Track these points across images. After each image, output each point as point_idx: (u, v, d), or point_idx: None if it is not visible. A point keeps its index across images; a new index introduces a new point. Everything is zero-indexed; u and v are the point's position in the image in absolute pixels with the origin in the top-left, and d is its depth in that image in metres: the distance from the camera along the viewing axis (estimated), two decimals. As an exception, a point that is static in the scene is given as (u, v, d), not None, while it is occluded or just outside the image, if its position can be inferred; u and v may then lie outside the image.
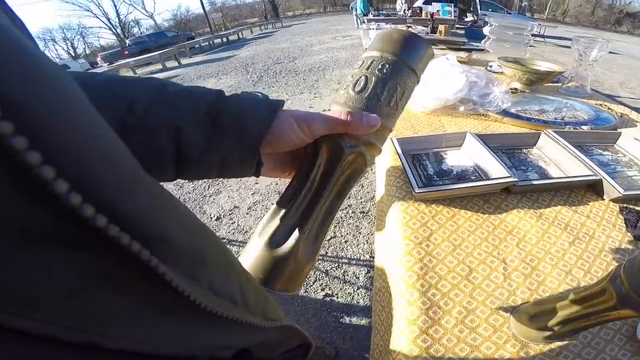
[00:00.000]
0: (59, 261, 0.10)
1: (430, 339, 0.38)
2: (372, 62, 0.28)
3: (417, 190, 0.51)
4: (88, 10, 26.36)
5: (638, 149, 0.68)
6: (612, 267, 0.31)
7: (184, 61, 7.46)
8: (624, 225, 0.52)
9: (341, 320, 1.20)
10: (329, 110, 0.29)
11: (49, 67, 0.10)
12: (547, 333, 0.36)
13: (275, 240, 0.26)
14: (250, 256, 0.26)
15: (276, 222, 0.27)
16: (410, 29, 2.24)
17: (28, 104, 0.09)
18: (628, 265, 0.30)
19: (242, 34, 11.16)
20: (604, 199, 0.56)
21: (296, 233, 0.26)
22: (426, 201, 0.54)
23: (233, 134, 0.25)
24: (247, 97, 0.27)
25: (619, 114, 0.88)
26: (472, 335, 0.39)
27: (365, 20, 2.70)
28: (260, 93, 0.29)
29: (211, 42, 10.35)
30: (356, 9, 7.93)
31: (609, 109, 0.91)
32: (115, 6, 26.90)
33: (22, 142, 0.08)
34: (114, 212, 0.11)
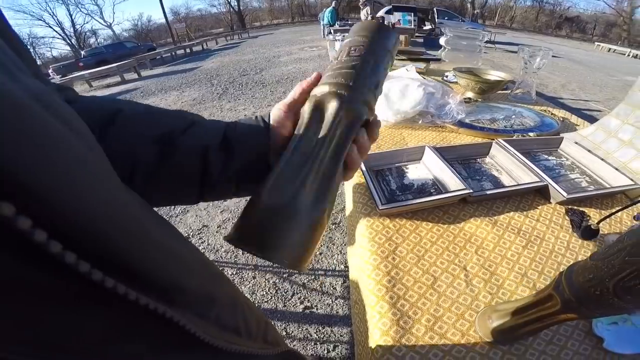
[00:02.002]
0: (91, 318, 0.12)
1: (404, 347, 0.39)
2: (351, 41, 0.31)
3: (380, 207, 0.53)
4: (40, 19, 24.70)
5: (578, 153, 0.74)
6: (563, 267, 0.32)
7: (144, 73, 7.16)
8: (570, 226, 0.56)
9: (323, 331, 1.20)
10: None
11: (58, 139, 0.11)
12: (509, 335, 0.38)
13: (273, 191, 0.24)
14: (246, 216, 0.24)
15: (272, 174, 0.25)
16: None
17: (39, 191, 0.10)
18: (567, 273, 0.31)
19: (206, 45, 10.97)
20: (551, 203, 0.61)
21: (296, 184, 0.25)
22: (390, 216, 0.56)
23: (244, 150, 0.29)
24: (243, 120, 0.32)
25: (561, 119, 0.97)
26: (442, 340, 0.40)
27: (332, 31, 2.77)
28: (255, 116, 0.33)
29: (174, 53, 10.06)
30: (323, 19, 8.12)
31: (552, 114, 0.99)
32: (71, 15, 25.44)
33: (26, 223, 0.09)
34: (132, 278, 0.13)
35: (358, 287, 0.52)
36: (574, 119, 1.01)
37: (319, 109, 0.28)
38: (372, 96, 0.30)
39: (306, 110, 0.28)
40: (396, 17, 3.53)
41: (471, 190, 0.56)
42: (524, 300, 0.37)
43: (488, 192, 0.57)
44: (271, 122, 0.31)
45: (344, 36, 2.28)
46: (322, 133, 0.27)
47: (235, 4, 26.01)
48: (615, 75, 6.66)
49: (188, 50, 10.66)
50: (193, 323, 0.17)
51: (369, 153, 0.67)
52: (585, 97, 4.50)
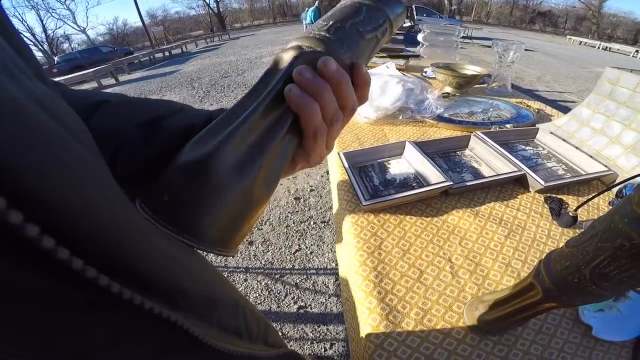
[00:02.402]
0: (96, 323, 0.12)
1: (395, 341, 0.39)
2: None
3: (364, 203, 0.53)
4: (8, 26, 23.62)
5: (554, 142, 0.76)
6: (545, 256, 0.32)
7: (122, 78, 6.96)
8: (550, 214, 0.57)
9: (319, 330, 1.20)
10: None
11: (62, 146, 0.11)
12: (498, 325, 0.38)
13: (193, 148, 0.20)
14: (158, 181, 0.19)
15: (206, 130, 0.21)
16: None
17: (45, 198, 0.09)
18: (546, 261, 0.31)
19: (186, 48, 10.75)
20: (530, 191, 0.62)
21: (218, 139, 0.19)
22: (374, 211, 0.56)
23: None
24: None
25: (536, 110, 1.00)
26: (433, 333, 0.40)
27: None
28: None
29: (152, 57, 9.81)
30: (306, 18, 8.10)
31: (527, 106, 1.02)
32: (42, 21, 24.47)
33: (34, 230, 0.09)
34: (136, 283, 0.13)
35: (347, 284, 0.51)
36: (548, 109, 1.04)
37: (279, 61, 0.22)
38: (347, 51, 0.23)
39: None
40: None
41: (452, 183, 0.57)
42: (507, 290, 0.37)
43: (468, 184, 0.58)
44: None
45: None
46: (270, 85, 0.21)
47: (215, 5, 25.66)
48: (587, 67, 6.95)
49: (167, 54, 10.42)
50: (196, 326, 0.17)
51: (351, 150, 0.69)
52: (559, 88, 4.67)
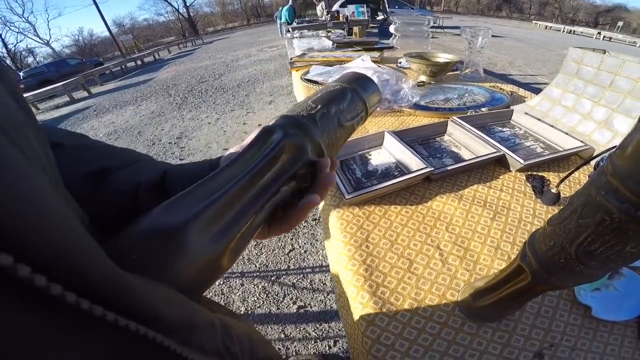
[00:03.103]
0: (84, 345, 0.12)
1: (392, 335, 0.39)
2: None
3: (347, 197, 0.52)
4: (-37, 42, 22.38)
5: (529, 122, 0.78)
6: (529, 236, 0.31)
7: (94, 90, 6.69)
8: (533, 192, 0.57)
9: (321, 328, 1.19)
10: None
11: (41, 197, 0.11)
12: (494, 311, 0.37)
13: (166, 210, 0.19)
14: (125, 235, 0.19)
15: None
16: (330, 33, 2.32)
17: (32, 240, 0.10)
18: (530, 242, 0.30)
19: (158, 55, 10.48)
20: (511, 171, 0.63)
21: (194, 209, 0.19)
22: (359, 204, 0.55)
23: None
24: (190, 164, 0.29)
25: (510, 93, 1.02)
26: (429, 324, 0.40)
27: (290, 29, 2.74)
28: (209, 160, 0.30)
29: (124, 67, 9.48)
30: (280, 17, 8.04)
31: (500, 89, 1.04)
32: (0, 35, 23.26)
33: (25, 270, 0.09)
34: (119, 307, 0.13)
35: (339, 279, 0.51)
36: (521, 92, 1.06)
37: (263, 138, 0.24)
38: (326, 140, 0.27)
39: (251, 137, 0.25)
40: (350, 9, 3.57)
41: (432, 168, 0.56)
42: (496, 276, 0.36)
43: (449, 168, 0.58)
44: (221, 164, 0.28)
45: (301, 33, 2.28)
46: (251, 163, 0.22)
47: (184, 11, 25.09)
48: (554, 50, 7.21)
49: (139, 62, 10.11)
50: (176, 345, 0.16)
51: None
52: (531, 72, 4.82)
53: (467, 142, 0.70)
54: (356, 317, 0.42)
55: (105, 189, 0.25)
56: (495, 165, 0.65)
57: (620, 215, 0.20)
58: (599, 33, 13.18)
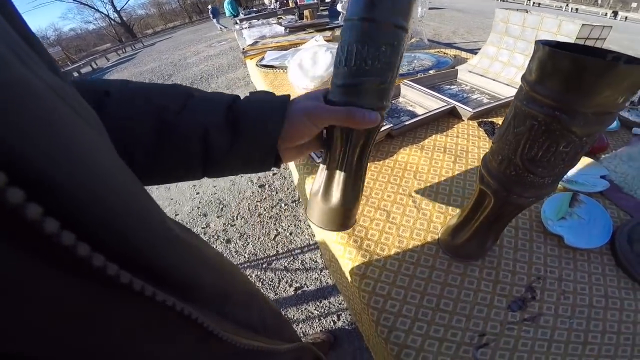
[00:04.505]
0: (107, 316, 0.12)
1: (386, 285, 0.40)
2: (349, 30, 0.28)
3: (317, 160, 0.56)
4: None
5: (473, 78, 0.86)
6: (482, 158, 0.34)
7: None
8: (486, 135, 0.64)
9: (322, 305, 1.20)
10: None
11: (79, 137, 0.11)
12: (473, 246, 0.39)
13: (327, 197, 0.34)
14: (316, 212, 0.36)
15: (324, 182, 0.34)
16: (281, 20, 2.30)
17: (62, 186, 0.09)
18: (484, 162, 0.33)
19: (96, 64, 9.66)
20: (464, 120, 0.70)
21: (339, 189, 0.34)
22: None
23: (251, 138, 0.28)
24: (257, 98, 0.30)
25: (454, 56, 1.10)
26: (419, 269, 0.42)
27: (237, 21, 2.66)
28: (267, 91, 0.32)
29: (59, 81, 8.68)
30: (216, 13, 7.69)
31: (444, 53, 1.12)
32: None
33: (53, 225, 0.08)
34: (148, 274, 0.12)
35: (326, 244, 0.53)
36: (464, 54, 1.15)
37: (340, 136, 0.32)
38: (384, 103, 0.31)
39: (337, 135, 0.32)
40: (299, -6, 3.53)
41: (392, 125, 0.62)
42: (465, 208, 0.38)
43: (407, 123, 0.64)
44: (287, 125, 0.29)
45: (250, 23, 2.22)
46: (345, 151, 0.32)
47: (116, 16, 23.20)
48: (491, 17, 7.56)
49: (76, 74, 9.31)
50: (210, 320, 0.16)
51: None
52: (474, 39, 5.09)
53: (420, 101, 0.76)
54: (348, 274, 0.44)
55: (173, 133, 0.25)
56: (449, 117, 0.71)
57: (544, 118, 0.24)
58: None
